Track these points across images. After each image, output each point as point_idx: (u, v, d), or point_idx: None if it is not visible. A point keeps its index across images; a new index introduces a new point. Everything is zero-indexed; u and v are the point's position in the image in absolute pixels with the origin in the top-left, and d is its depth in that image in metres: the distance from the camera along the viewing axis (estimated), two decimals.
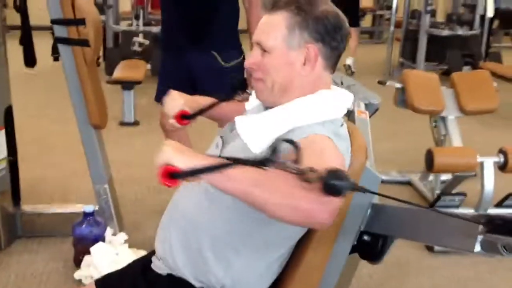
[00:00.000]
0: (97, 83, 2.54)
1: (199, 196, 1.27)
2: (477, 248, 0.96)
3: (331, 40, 1.23)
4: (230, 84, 1.45)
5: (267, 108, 1.30)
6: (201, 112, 1.45)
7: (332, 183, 0.92)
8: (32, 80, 4.94)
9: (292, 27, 1.21)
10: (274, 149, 0.96)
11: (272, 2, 1.24)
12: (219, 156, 1.16)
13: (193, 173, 0.98)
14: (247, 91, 1.46)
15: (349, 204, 1.23)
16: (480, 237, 0.94)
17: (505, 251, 0.91)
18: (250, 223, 1.22)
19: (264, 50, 1.24)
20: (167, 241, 1.32)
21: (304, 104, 1.23)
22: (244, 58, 2.27)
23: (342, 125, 1.27)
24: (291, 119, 1.21)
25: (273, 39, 1.22)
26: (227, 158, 1.02)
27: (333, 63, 1.27)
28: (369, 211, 1.28)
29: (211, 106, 1.45)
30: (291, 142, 0.97)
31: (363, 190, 0.97)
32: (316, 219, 0.98)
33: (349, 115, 1.42)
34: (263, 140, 1.19)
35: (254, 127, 1.23)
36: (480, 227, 0.94)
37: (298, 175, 0.94)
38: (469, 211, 2.79)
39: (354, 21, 6.10)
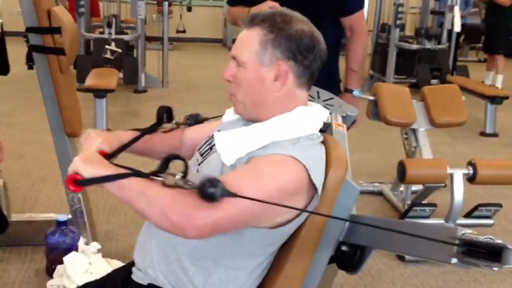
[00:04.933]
0: (72, 91, 2.52)
1: None
2: (454, 260, 1.00)
3: (303, 59, 1.25)
4: (156, 114, 1.42)
5: (246, 122, 1.32)
6: (121, 149, 1.35)
7: (206, 190, 1.04)
8: None
9: (265, 44, 1.24)
10: (165, 162, 1.10)
11: (250, 18, 1.28)
12: (128, 168, 1.16)
13: (93, 181, 1.12)
14: (174, 121, 1.46)
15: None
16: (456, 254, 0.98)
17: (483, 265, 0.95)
18: (225, 233, 1.22)
19: (238, 65, 1.27)
20: (147, 252, 1.32)
21: (280, 121, 1.26)
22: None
23: (318, 138, 1.29)
24: (266, 136, 1.23)
25: (246, 54, 1.25)
26: (129, 169, 1.13)
27: (306, 81, 1.29)
28: (347, 222, 1.31)
29: (132, 141, 1.38)
30: (179, 158, 1.10)
31: (235, 195, 1.06)
32: (182, 231, 1.07)
33: (327, 128, 1.44)
34: (236, 153, 1.22)
35: (230, 140, 1.26)
36: (455, 248, 0.98)
37: (179, 186, 1.07)
38: (439, 221, 2.86)
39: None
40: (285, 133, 1.24)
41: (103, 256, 2.47)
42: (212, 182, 1.04)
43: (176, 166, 1.12)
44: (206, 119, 1.53)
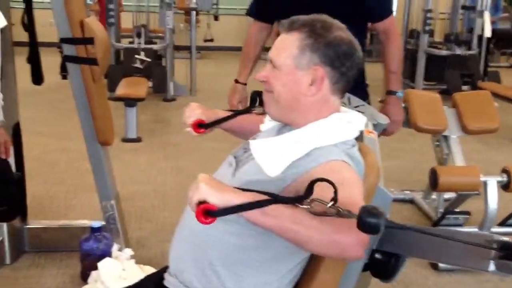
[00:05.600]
0: (104, 100, 2.56)
1: None
2: (492, 268, 0.98)
3: (340, 66, 1.26)
4: (250, 97, 1.50)
5: (281, 130, 1.33)
6: (217, 122, 1.52)
7: (367, 221, 0.93)
8: (33, 96, 4.97)
9: (303, 48, 1.25)
10: (309, 187, 1.02)
11: (289, 22, 1.29)
12: (257, 191, 1.11)
13: (230, 211, 1.01)
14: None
15: None
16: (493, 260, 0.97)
17: None
18: (258, 237, 1.23)
19: (274, 67, 1.28)
20: (180, 257, 1.33)
21: (318, 128, 1.27)
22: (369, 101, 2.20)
23: (353, 145, 1.30)
24: (306, 143, 1.23)
25: (283, 57, 1.27)
26: (263, 193, 1.05)
27: (341, 87, 1.30)
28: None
29: (227, 118, 1.53)
30: (328, 181, 1.01)
31: (399, 227, 0.99)
32: (351, 253, 1.03)
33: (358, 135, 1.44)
34: (279, 164, 1.22)
35: (270, 151, 1.26)
36: (493, 252, 0.97)
37: (334, 213, 0.99)
38: (473, 229, 2.81)
39: None
40: (324, 140, 1.24)
41: (136, 263, 2.50)
42: (373, 212, 0.94)
43: None
44: None
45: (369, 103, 2.16)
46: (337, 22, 1.30)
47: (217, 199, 1.01)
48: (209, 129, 1.53)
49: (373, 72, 2.35)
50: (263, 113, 1.48)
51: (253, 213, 1.03)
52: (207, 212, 0.99)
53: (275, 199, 1.04)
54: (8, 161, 2.10)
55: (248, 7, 2.45)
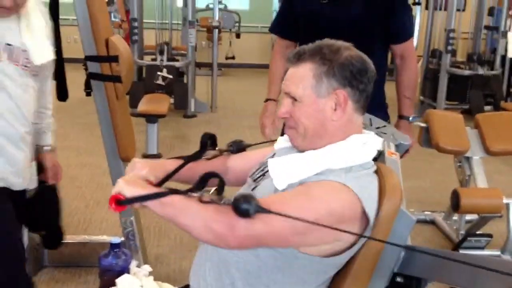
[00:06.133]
0: (127, 117, 2.59)
1: None
2: None
3: (358, 84, 1.28)
4: (200, 141, 1.43)
5: (299, 151, 1.33)
6: (166, 178, 1.34)
7: (238, 205, 1.08)
8: (55, 110, 5.06)
9: (319, 76, 1.26)
10: (201, 179, 1.17)
11: (297, 55, 1.30)
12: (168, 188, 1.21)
13: (135, 200, 1.17)
14: (218, 148, 1.47)
15: (384, 246, 1.24)
16: None
17: None
18: (280, 259, 1.23)
19: (294, 99, 1.29)
20: (202, 275, 1.34)
21: (335, 149, 1.27)
22: (389, 122, 2.20)
23: (371, 167, 1.29)
24: (320, 163, 1.24)
25: (301, 89, 1.28)
26: (167, 189, 1.19)
27: (362, 105, 1.31)
28: (403, 252, 1.28)
29: (177, 170, 1.37)
30: (215, 175, 1.17)
31: (267, 211, 1.08)
32: (228, 243, 1.13)
33: (379, 156, 1.43)
34: (289, 179, 1.24)
35: (283, 166, 1.27)
36: None
37: (216, 201, 1.13)
38: (495, 253, 2.76)
39: None
40: (340, 161, 1.25)
41: (154, 279, 2.50)
42: (246, 198, 1.08)
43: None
44: (249, 145, 1.55)
45: (389, 123, 2.15)
46: (342, 43, 1.31)
47: (128, 191, 1.17)
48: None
49: (392, 89, 2.34)
50: (215, 156, 1.47)
51: (153, 203, 1.16)
52: (117, 201, 1.17)
53: (173, 191, 1.16)
54: (56, 186, 2.06)
55: (271, 24, 2.46)
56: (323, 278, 1.28)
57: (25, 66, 1.69)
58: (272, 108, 2.35)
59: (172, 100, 5.99)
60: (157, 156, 4.73)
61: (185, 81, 6.69)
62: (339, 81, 1.26)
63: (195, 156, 1.44)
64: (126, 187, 1.17)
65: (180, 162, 1.40)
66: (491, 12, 7.30)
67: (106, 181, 1.99)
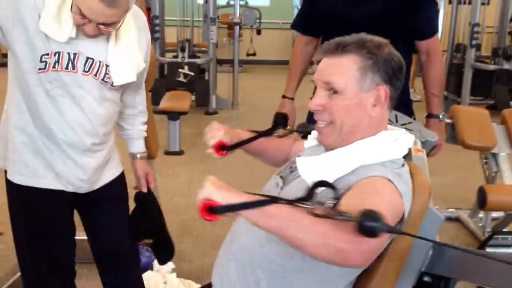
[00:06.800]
0: (149, 114, 2.59)
1: (258, 230, 1.27)
2: None
3: (396, 81, 1.27)
4: (273, 120, 1.47)
5: (327, 149, 1.31)
6: (239, 144, 1.46)
7: (366, 225, 0.94)
8: None
9: (364, 70, 1.24)
10: (311, 189, 1.04)
11: (341, 45, 1.26)
12: (261, 195, 1.14)
13: (231, 208, 1.03)
14: (288, 128, 1.48)
15: (411, 244, 1.22)
16: None
17: None
18: (302, 260, 1.22)
19: (333, 92, 1.25)
20: (225, 274, 1.32)
21: (365, 145, 1.25)
22: (414, 119, 2.15)
23: (403, 165, 1.26)
24: (352, 161, 1.22)
25: (344, 81, 1.24)
26: (266, 196, 1.07)
27: (395, 102, 1.30)
28: (430, 251, 1.26)
29: (249, 140, 1.47)
30: (329, 185, 1.04)
31: (399, 232, 0.99)
32: (349, 260, 1.01)
33: (406, 153, 1.41)
34: (324, 179, 1.19)
35: (316, 168, 1.25)
36: None
37: (333, 215, 0.99)
38: None
39: None
40: (371, 157, 1.22)
41: (177, 276, 2.51)
42: (372, 215, 0.95)
43: None
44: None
45: (414, 120, 2.12)
46: (381, 39, 1.29)
47: (220, 197, 1.03)
48: (231, 151, 1.46)
49: (417, 85, 2.30)
50: (285, 135, 1.47)
51: (252, 213, 1.03)
52: (210, 209, 1.03)
53: (275, 199, 1.05)
54: (152, 192, 1.98)
55: (293, 20, 2.44)
56: (348, 278, 1.26)
57: (104, 81, 1.63)
58: (289, 106, 2.32)
59: (193, 97, 6.01)
60: (179, 153, 4.75)
61: (206, 78, 6.70)
62: (382, 76, 1.24)
63: (267, 132, 1.49)
64: (218, 193, 1.04)
65: (253, 134, 1.48)
66: None
67: (131, 178, 2.00)
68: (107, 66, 1.62)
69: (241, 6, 7.69)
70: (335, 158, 1.24)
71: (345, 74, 1.24)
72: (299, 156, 1.36)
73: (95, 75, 1.61)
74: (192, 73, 6.22)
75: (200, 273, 2.68)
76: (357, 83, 1.23)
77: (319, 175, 1.21)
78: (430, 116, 2.20)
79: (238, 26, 6.84)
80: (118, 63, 1.62)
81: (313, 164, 1.26)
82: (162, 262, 2.11)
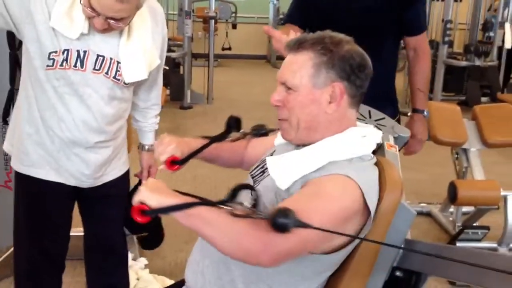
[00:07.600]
0: None
1: None
2: None
3: (356, 79, 1.25)
4: (226, 123, 1.44)
5: (297, 145, 1.31)
6: (191, 156, 1.42)
7: (277, 221, 1.00)
8: None
9: (318, 67, 1.23)
10: (233, 191, 1.12)
11: (298, 42, 1.27)
12: (194, 196, 1.18)
13: (161, 211, 1.10)
14: (242, 131, 1.47)
15: (383, 240, 1.23)
16: None
17: None
18: None
19: (289, 88, 1.26)
20: (200, 272, 1.32)
21: (333, 142, 1.25)
22: (399, 117, 2.19)
23: (370, 160, 1.27)
24: (320, 158, 1.22)
25: (298, 78, 1.24)
26: (197, 198, 1.13)
27: (358, 100, 1.29)
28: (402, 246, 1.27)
29: (202, 148, 1.44)
30: (249, 187, 1.12)
31: (307, 226, 1.02)
32: (256, 259, 1.06)
33: (378, 148, 1.42)
34: (292, 177, 1.21)
35: (284, 165, 1.25)
36: None
37: (250, 215, 1.06)
38: (492, 245, 2.76)
39: None
40: (339, 154, 1.23)
41: (150, 272, 2.49)
42: (284, 212, 1.01)
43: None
44: (272, 130, 1.53)
45: (398, 120, 2.13)
46: (344, 36, 1.29)
47: (153, 201, 1.09)
48: (183, 164, 1.43)
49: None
50: (238, 139, 1.47)
51: (179, 214, 1.09)
52: (142, 212, 1.09)
53: (203, 202, 1.10)
54: None
55: (286, 16, 2.37)
56: (323, 275, 1.27)
57: (116, 79, 1.61)
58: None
59: (168, 92, 5.97)
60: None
61: (181, 72, 6.66)
62: (337, 73, 1.23)
63: (220, 137, 1.46)
64: (151, 196, 1.10)
65: (205, 141, 1.45)
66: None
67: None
68: (118, 62, 1.61)
69: (216, 0, 7.65)
70: (304, 155, 1.24)
71: (299, 70, 1.24)
72: (271, 154, 1.35)
73: (106, 73, 1.60)
74: (167, 67, 6.16)
75: (174, 269, 2.67)
76: (311, 80, 1.24)
77: (286, 173, 1.21)
78: (415, 111, 2.22)
79: (213, 20, 6.81)
80: (130, 60, 1.62)
81: (281, 163, 1.25)
82: (147, 248, 2.17)
